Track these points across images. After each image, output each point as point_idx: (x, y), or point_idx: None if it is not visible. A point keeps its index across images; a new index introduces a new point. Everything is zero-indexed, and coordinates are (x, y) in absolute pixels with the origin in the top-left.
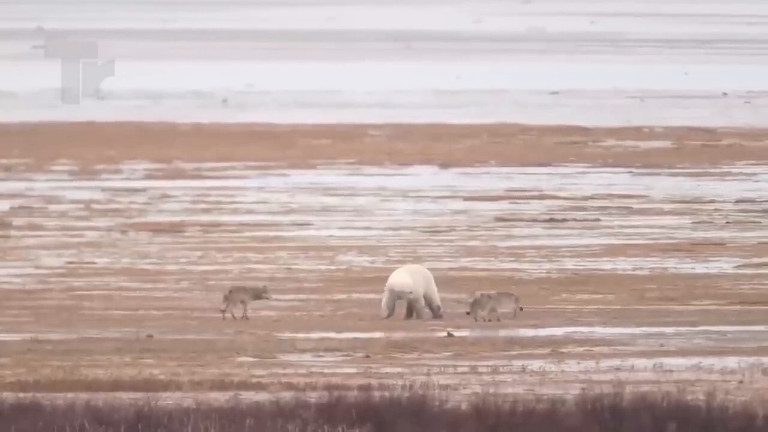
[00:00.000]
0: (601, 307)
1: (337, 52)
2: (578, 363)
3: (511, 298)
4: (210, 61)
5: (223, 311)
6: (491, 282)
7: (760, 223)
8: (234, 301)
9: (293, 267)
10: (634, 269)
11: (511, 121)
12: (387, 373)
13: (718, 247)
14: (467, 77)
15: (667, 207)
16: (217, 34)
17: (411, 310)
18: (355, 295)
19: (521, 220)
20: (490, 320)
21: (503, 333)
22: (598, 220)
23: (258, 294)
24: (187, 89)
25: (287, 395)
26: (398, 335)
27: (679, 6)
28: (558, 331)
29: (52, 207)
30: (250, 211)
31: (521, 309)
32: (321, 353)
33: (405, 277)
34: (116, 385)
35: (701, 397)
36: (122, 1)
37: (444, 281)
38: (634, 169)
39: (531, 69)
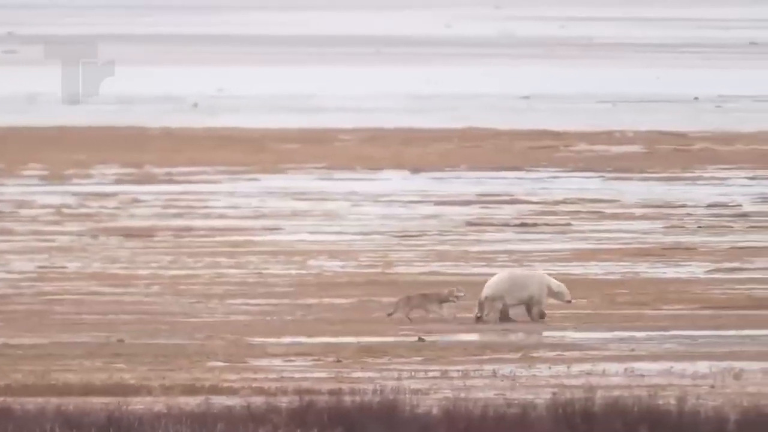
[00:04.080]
0: (572, 311)
1: (308, 57)
2: (549, 367)
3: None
4: (181, 65)
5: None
6: (461, 287)
7: (732, 227)
8: (412, 307)
9: (264, 271)
10: (605, 274)
11: (482, 125)
12: (358, 377)
13: (690, 251)
14: (438, 82)
15: (639, 211)
16: (188, 39)
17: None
18: (326, 300)
19: (492, 224)
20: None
21: (474, 338)
22: (569, 224)
23: (444, 299)
24: (157, 94)
25: (258, 400)
26: (369, 340)
27: (649, 10)
28: (529, 336)
29: (23, 212)
30: (220, 216)
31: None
32: (292, 358)
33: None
34: (87, 390)
35: (673, 401)
36: (91, 5)
37: (414, 286)
38: (605, 174)
39: (502, 73)
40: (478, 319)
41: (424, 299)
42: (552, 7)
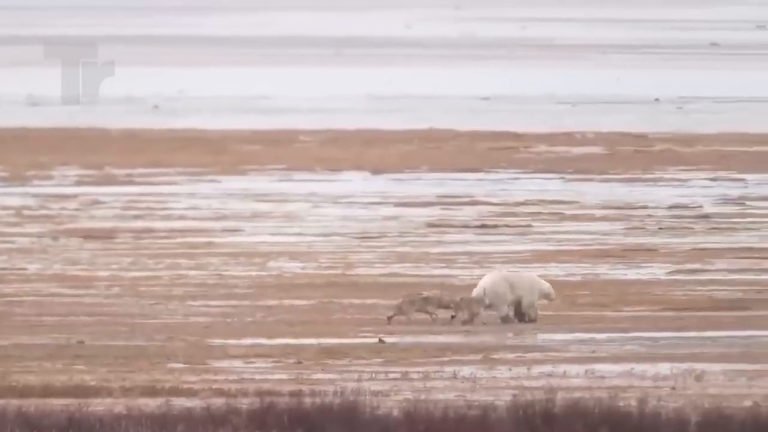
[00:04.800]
0: None
1: (268, 58)
2: (510, 369)
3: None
4: (141, 66)
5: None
6: (423, 288)
7: (693, 229)
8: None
9: (224, 273)
10: (566, 275)
11: (442, 126)
12: (318, 379)
13: (651, 253)
14: (399, 83)
15: (599, 213)
16: (148, 40)
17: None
18: (286, 301)
19: (452, 225)
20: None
21: (435, 339)
22: (529, 225)
23: (445, 304)
24: (118, 95)
25: (218, 401)
26: (329, 341)
27: (610, 12)
28: (490, 338)
29: None
30: (181, 218)
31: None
32: (252, 359)
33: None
34: (47, 391)
35: (633, 403)
36: (50, 7)
37: (374, 287)
38: (566, 175)
39: (462, 75)
40: (453, 318)
41: (426, 302)
42: (512, 8)
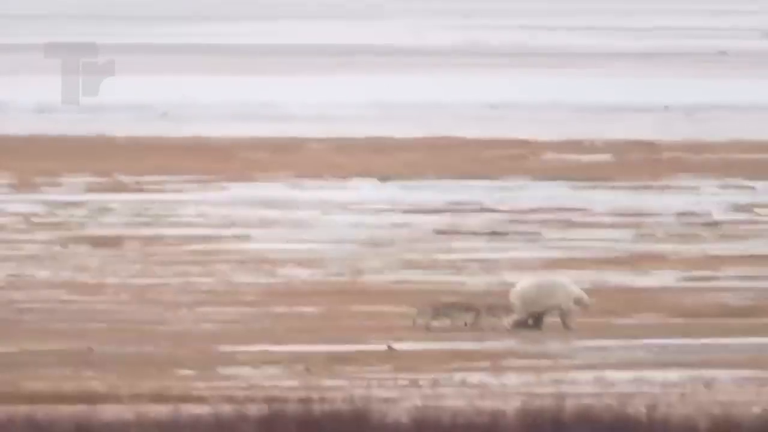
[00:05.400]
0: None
1: (277, 66)
2: (519, 376)
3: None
4: (149, 74)
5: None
6: (432, 295)
7: (702, 236)
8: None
9: (233, 280)
10: (575, 282)
11: (450, 134)
12: (327, 386)
13: (660, 259)
14: (407, 90)
15: (608, 220)
16: (156, 48)
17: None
18: (295, 308)
19: (461, 233)
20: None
21: (444, 346)
22: (539, 233)
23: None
24: (126, 102)
25: (227, 408)
26: (338, 348)
27: (619, 20)
28: (498, 344)
29: None
30: (189, 225)
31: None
32: (261, 366)
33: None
34: (56, 398)
35: (643, 409)
36: (57, 15)
37: (383, 294)
38: (575, 183)
39: (471, 82)
40: (465, 325)
41: (459, 308)
42: (521, 16)
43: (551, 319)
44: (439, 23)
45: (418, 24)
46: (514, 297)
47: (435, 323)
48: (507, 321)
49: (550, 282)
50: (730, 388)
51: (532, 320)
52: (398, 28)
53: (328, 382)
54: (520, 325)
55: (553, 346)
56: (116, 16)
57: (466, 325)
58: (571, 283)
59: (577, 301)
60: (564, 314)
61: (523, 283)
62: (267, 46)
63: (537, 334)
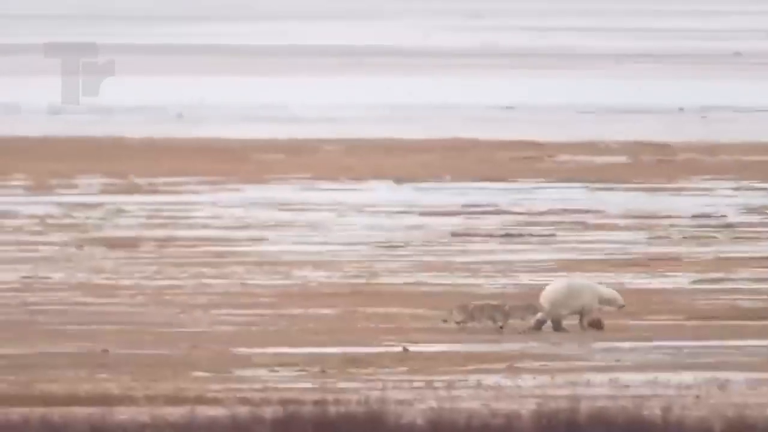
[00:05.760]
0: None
1: (289, 67)
2: (534, 378)
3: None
4: (163, 75)
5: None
6: (446, 297)
7: (717, 238)
8: (478, 318)
9: (248, 282)
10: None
11: (464, 135)
12: (343, 388)
13: (674, 262)
14: (419, 92)
15: (623, 222)
16: (170, 49)
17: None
18: (310, 310)
19: (477, 235)
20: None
21: (459, 348)
22: (553, 235)
23: (506, 312)
24: (140, 103)
25: (243, 410)
26: (354, 350)
27: (632, 21)
28: (514, 346)
29: (7, 222)
30: (204, 226)
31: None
32: (276, 368)
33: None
34: (71, 400)
35: (657, 412)
36: (70, 16)
37: (399, 296)
38: (589, 184)
39: (483, 84)
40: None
41: (494, 310)
42: (532, 17)
43: (568, 322)
44: (449, 24)
45: (428, 25)
46: (544, 299)
47: (469, 325)
48: (530, 322)
49: (580, 285)
50: (745, 390)
51: (554, 322)
52: (408, 29)
53: (343, 384)
54: (540, 326)
55: (568, 348)
56: (129, 17)
57: (500, 327)
58: (601, 285)
59: (610, 302)
60: (584, 315)
61: (554, 284)
62: (278, 48)
63: (552, 336)
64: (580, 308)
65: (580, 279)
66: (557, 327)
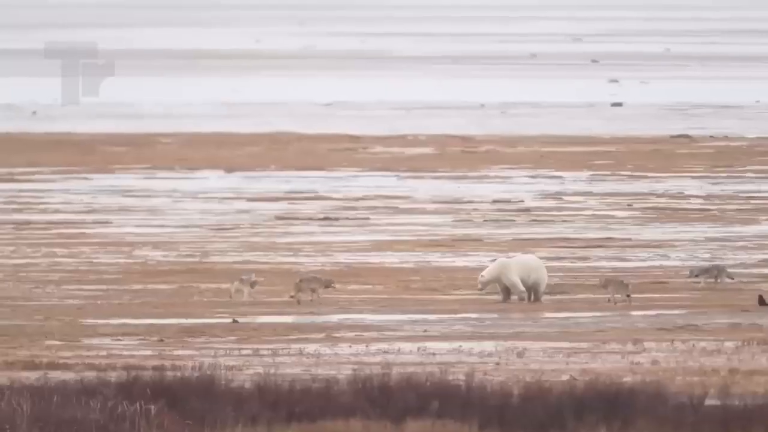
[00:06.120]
0: (370, 296)
1: (131, 69)
2: (350, 347)
3: (623, 285)
4: (20, 77)
5: (293, 296)
6: (272, 275)
7: (514, 221)
8: (304, 290)
9: (95, 260)
10: (400, 262)
11: (288, 130)
12: (179, 355)
13: (477, 242)
14: (248, 91)
15: (430, 207)
16: (32, 53)
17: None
18: (150, 286)
19: (299, 218)
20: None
21: (283, 319)
22: (367, 218)
23: (327, 284)
24: None
25: (90, 375)
26: (189, 322)
27: (440, 26)
28: (332, 318)
29: None
30: (56, 211)
31: (628, 296)
32: (120, 337)
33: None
34: None
35: (462, 377)
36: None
37: (229, 273)
38: (400, 173)
39: (306, 84)
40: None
41: (316, 282)
42: (352, 24)
43: (372, 296)
44: (277, 30)
45: (259, 31)
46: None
47: (301, 296)
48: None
49: (538, 259)
50: (541, 357)
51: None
52: (241, 35)
53: (180, 352)
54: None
55: (380, 319)
56: None
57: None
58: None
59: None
60: (540, 285)
61: (521, 259)
62: (123, 52)
63: (367, 309)
64: (537, 281)
65: (531, 256)
66: (505, 297)
